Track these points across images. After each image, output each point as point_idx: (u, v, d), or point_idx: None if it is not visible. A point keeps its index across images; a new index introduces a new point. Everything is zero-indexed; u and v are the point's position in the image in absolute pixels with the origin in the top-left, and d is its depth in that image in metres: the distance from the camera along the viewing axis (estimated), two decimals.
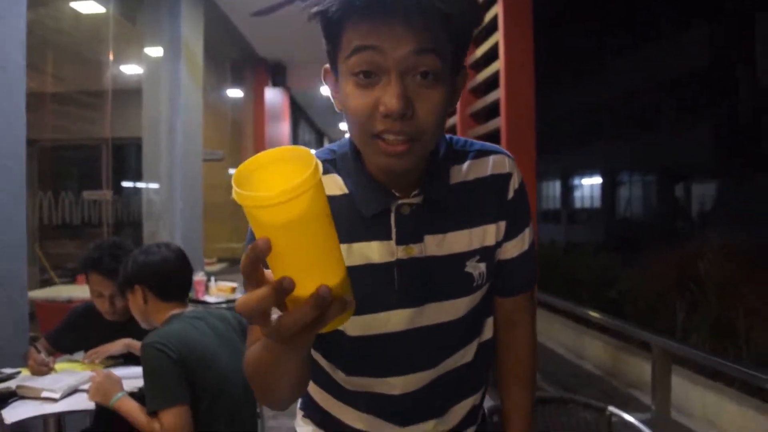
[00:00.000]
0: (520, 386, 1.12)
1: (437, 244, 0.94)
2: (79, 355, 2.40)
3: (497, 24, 3.68)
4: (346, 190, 0.93)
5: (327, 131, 16.41)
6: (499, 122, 3.77)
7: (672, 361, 2.65)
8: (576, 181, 24.03)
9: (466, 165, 0.98)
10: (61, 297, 3.99)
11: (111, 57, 4.62)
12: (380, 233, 0.92)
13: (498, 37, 3.69)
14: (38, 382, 1.98)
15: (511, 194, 1.00)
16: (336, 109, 0.91)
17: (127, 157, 6.16)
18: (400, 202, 0.92)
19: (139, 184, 5.50)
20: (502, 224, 0.99)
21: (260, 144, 7.81)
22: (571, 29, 17.98)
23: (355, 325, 0.94)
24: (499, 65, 3.74)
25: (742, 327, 4.46)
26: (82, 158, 6.11)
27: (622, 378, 5.04)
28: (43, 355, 2.20)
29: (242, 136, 7.90)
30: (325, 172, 0.93)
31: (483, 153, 1.00)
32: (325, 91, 9.95)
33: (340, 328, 0.94)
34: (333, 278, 0.60)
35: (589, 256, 8.63)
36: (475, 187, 0.98)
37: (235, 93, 7.74)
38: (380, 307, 0.94)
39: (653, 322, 5.10)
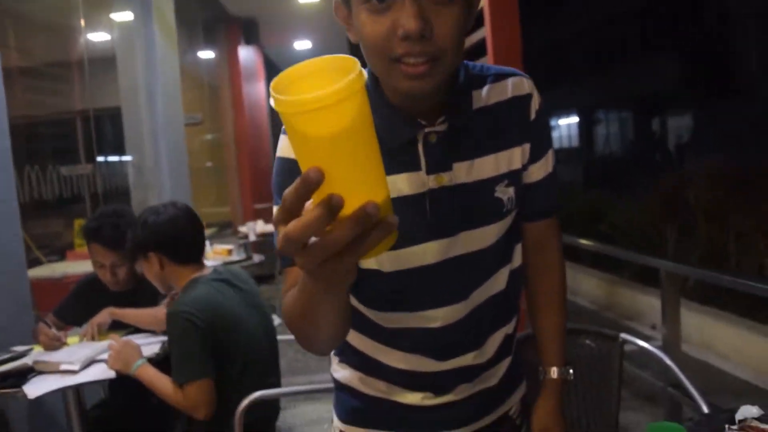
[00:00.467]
0: (553, 310, 1.12)
1: (466, 171, 0.93)
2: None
3: None
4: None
5: None
6: (486, 61, 3.73)
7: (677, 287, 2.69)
8: (553, 121, 24.06)
9: (485, 89, 0.96)
10: (56, 275, 3.94)
11: (82, 23, 4.45)
12: (409, 164, 0.90)
13: None
14: (55, 356, 1.96)
15: (533, 115, 0.98)
16: (352, 42, 0.88)
17: (104, 128, 6.02)
18: (426, 130, 0.90)
19: (120, 155, 5.39)
20: (527, 146, 0.98)
21: (239, 105, 7.67)
22: None
23: (390, 260, 0.93)
24: (482, 2, 3.68)
25: (733, 250, 4.56)
26: (57, 133, 5.96)
27: (617, 310, 5.14)
28: (53, 330, 2.18)
29: (219, 98, 7.75)
30: None
31: (501, 76, 0.98)
32: (298, 46, 9.78)
33: (376, 266, 0.93)
34: (378, 195, 0.54)
35: (575, 195, 8.69)
36: (497, 110, 0.96)
37: (208, 54, 7.56)
38: (414, 240, 0.92)
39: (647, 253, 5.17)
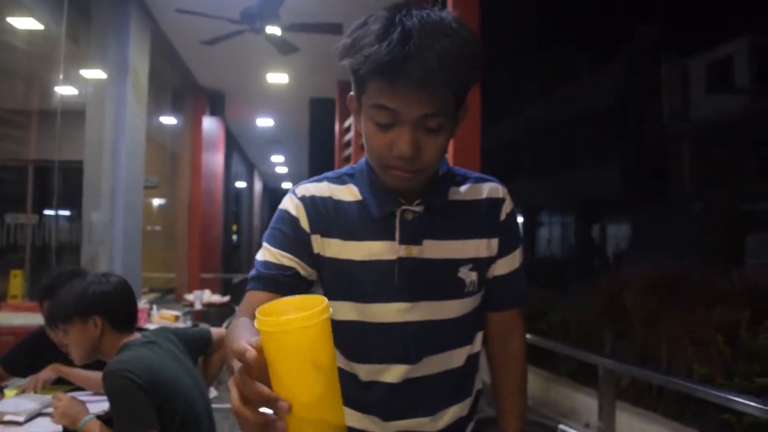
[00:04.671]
0: (516, 395, 1.24)
1: (434, 249, 1.10)
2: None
3: None
4: (359, 197, 1.11)
5: (257, 163, 16.29)
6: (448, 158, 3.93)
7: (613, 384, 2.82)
8: None
9: (464, 188, 1.16)
10: None
11: (61, 77, 4.50)
12: (386, 234, 1.09)
13: None
14: (0, 406, 1.91)
15: (503, 216, 1.16)
16: (360, 137, 1.07)
17: (57, 180, 5.93)
18: (404, 208, 1.09)
19: (71, 209, 5.31)
20: (495, 241, 1.15)
21: (196, 173, 7.70)
22: (490, 70, 18.76)
23: (358, 312, 1.10)
24: None
25: (664, 353, 4.76)
26: (5, 179, 5.83)
27: (553, 407, 5.22)
28: None
29: (178, 163, 7.77)
30: (345, 182, 1.14)
31: (480, 180, 1.18)
32: (260, 122, 9.97)
33: (345, 317, 1.10)
34: (322, 413, 0.69)
35: None
36: (471, 206, 1.14)
37: (171, 120, 7.65)
38: (381, 298, 1.09)
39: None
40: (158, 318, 4.02)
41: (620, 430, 4.19)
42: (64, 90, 5.05)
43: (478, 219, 1.14)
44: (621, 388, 4.53)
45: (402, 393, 1.11)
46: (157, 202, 7.85)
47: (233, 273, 11.40)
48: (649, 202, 15.39)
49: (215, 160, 9.00)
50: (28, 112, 5.41)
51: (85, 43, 4.84)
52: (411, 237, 1.09)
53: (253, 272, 1.09)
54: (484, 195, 1.16)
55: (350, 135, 7.08)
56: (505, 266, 1.18)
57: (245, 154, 14.11)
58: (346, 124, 7.34)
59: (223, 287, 9.38)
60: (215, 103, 8.09)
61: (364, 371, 1.12)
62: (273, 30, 4.79)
